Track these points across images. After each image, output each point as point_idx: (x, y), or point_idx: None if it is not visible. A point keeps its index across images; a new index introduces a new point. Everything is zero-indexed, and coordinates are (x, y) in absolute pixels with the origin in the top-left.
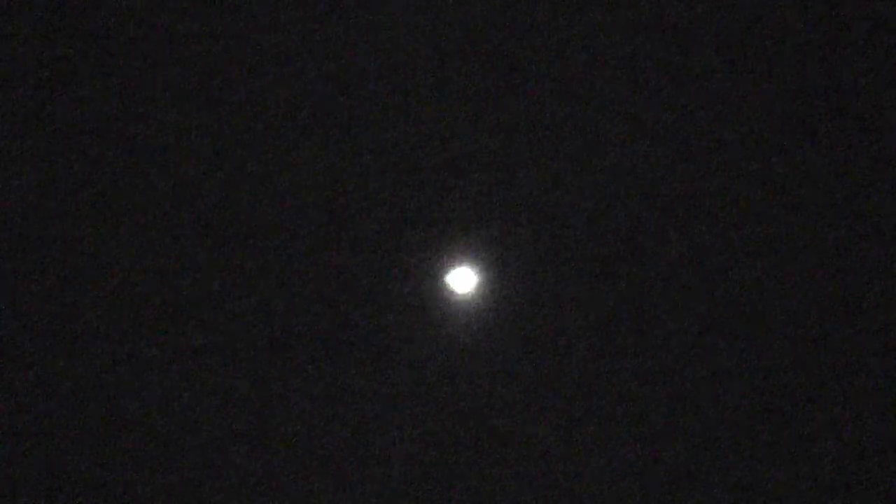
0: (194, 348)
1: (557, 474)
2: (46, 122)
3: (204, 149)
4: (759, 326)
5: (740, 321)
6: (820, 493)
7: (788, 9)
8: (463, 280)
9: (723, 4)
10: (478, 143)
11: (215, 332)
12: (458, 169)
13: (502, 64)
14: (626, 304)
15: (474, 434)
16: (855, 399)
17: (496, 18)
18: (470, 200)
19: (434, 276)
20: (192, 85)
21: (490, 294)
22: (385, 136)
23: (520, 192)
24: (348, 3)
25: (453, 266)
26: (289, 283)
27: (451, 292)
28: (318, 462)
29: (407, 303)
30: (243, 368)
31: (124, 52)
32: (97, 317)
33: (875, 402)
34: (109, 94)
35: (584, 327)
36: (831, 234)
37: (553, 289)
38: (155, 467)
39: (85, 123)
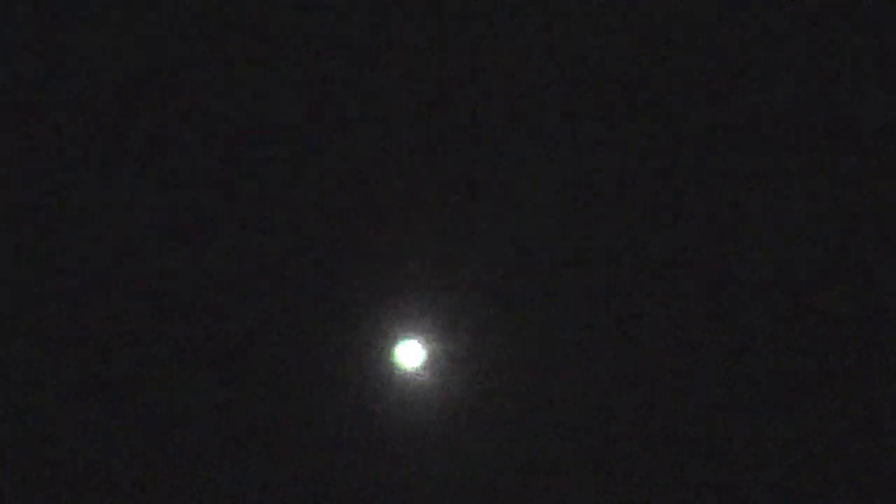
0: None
1: None
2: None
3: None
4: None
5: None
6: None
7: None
8: (411, 354)
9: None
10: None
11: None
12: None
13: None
14: (582, 370)
15: None
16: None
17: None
18: (416, 273)
19: (381, 351)
20: None
21: (440, 367)
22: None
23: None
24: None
25: (401, 339)
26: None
27: (399, 367)
28: None
29: (354, 380)
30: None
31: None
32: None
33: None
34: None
35: (539, 395)
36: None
37: (502, 357)
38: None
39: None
